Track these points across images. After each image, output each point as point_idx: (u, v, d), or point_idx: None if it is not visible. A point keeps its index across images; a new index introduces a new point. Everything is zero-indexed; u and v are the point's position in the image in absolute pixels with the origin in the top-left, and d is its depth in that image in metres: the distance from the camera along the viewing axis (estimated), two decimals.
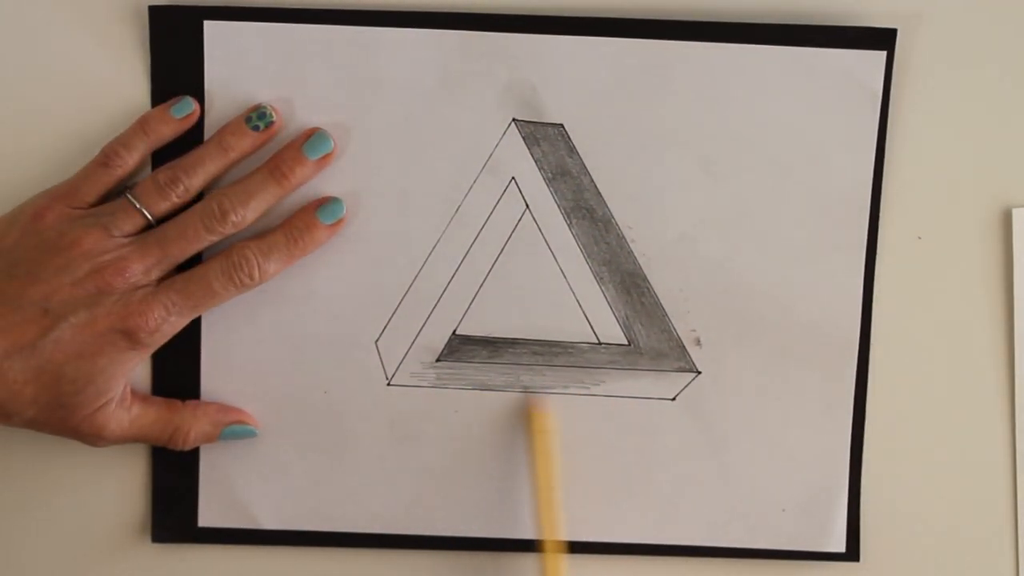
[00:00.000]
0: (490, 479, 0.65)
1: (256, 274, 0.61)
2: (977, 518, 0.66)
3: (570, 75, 0.63)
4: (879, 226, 0.64)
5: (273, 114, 0.62)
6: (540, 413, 0.64)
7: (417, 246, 0.64)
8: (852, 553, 0.66)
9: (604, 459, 0.65)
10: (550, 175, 0.64)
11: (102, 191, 0.62)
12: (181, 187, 0.61)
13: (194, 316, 0.61)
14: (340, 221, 0.63)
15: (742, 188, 0.64)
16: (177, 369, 0.64)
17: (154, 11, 0.63)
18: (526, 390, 0.64)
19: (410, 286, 0.64)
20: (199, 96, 0.63)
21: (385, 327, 0.64)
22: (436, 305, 0.64)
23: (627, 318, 0.64)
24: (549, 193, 0.64)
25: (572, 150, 0.63)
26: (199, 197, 0.62)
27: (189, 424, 0.63)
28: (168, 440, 0.63)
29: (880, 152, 0.64)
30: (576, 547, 0.65)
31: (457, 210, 0.64)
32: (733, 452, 0.65)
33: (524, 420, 0.64)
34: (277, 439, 0.65)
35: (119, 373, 0.60)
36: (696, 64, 0.63)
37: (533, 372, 0.64)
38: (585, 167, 0.63)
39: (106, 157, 0.62)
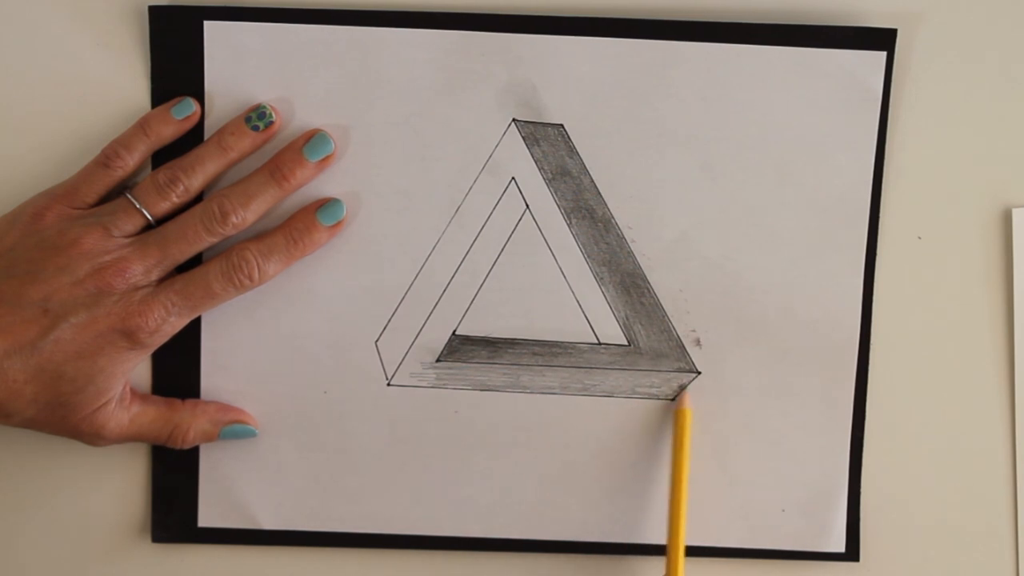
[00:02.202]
0: (489, 479, 0.65)
1: (256, 275, 0.61)
2: (977, 518, 0.66)
3: (570, 75, 0.63)
4: (879, 226, 0.64)
5: (273, 114, 0.62)
6: (685, 406, 0.64)
7: (417, 246, 0.64)
8: (852, 553, 0.66)
9: (604, 459, 0.65)
10: (550, 175, 0.64)
11: (102, 191, 0.62)
12: (181, 187, 0.61)
13: (194, 316, 0.61)
14: (340, 223, 0.63)
15: (742, 188, 0.64)
16: (177, 369, 0.64)
17: (154, 11, 0.63)
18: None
19: (410, 286, 0.64)
20: (199, 96, 0.63)
21: (385, 327, 0.64)
22: (436, 305, 0.64)
23: (627, 318, 0.64)
24: (549, 193, 0.64)
25: (572, 150, 0.63)
26: (199, 197, 0.62)
27: (188, 423, 0.63)
28: (167, 439, 0.63)
29: (880, 152, 0.64)
30: (577, 547, 0.65)
31: (457, 210, 0.64)
32: (733, 452, 0.65)
33: (672, 416, 0.65)
34: (277, 439, 0.65)
35: (119, 372, 0.60)
36: (696, 64, 0.63)
37: (533, 372, 0.64)
38: (585, 167, 0.63)
39: (106, 158, 0.62)
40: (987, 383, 0.66)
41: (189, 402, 0.64)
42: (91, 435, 0.61)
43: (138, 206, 0.61)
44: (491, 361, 0.64)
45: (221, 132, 0.62)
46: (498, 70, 0.63)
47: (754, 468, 0.65)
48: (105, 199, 0.62)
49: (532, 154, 0.63)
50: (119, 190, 0.62)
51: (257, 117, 0.62)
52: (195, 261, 0.62)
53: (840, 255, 0.64)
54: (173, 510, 0.65)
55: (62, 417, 0.60)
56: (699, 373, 0.65)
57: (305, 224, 0.62)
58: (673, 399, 0.65)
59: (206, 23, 0.62)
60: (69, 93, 0.63)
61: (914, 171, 0.64)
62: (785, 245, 0.64)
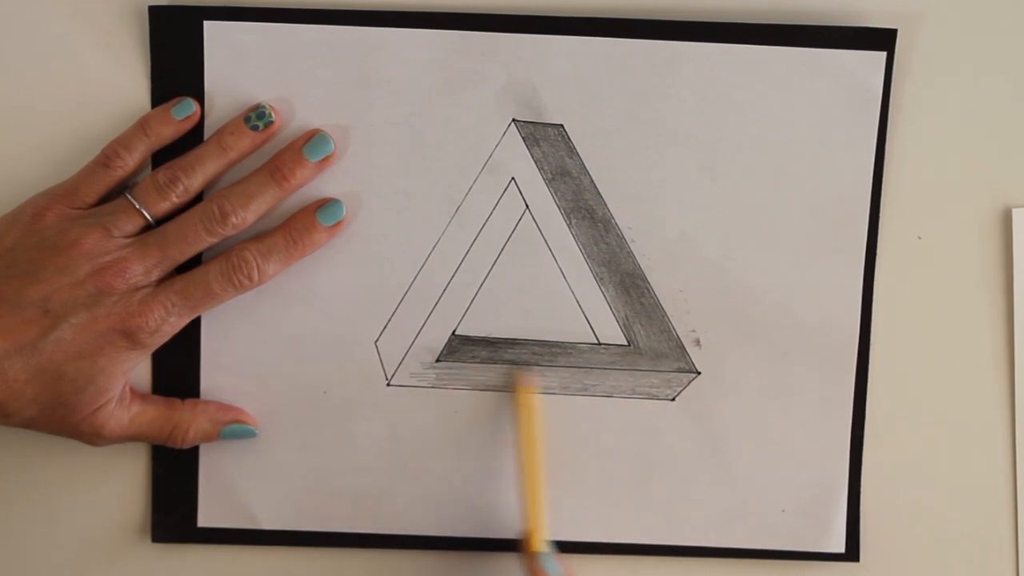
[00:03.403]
0: (490, 479, 0.65)
1: (255, 275, 0.61)
2: (977, 518, 0.66)
3: (570, 75, 0.63)
4: (879, 226, 0.64)
5: (272, 114, 0.62)
6: (525, 388, 0.64)
7: (417, 246, 0.64)
8: (852, 553, 0.66)
9: (604, 460, 0.65)
10: (550, 175, 0.64)
11: (102, 191, 0.62)
12: (180, 187, 0.61)
13: (194, 316, 0.61)
14: (340, 223, 0.63)
15: (742, 188, 0.64)
16: (177, 369, 0.64)
17: (154, 11, 0.63)
18: (514, 364, 0.64)
19: (410, 286, 0.64)
20: (199, 96, 0.63)
21: (385, 327, 0.64)
22: (436, 305, 0.64)
23: (627, 318, 0.64)
24: (549, 193, 0.64)
25: (572, 150, 0.63)
26: (199, 197, 0.62)
27: (188, 422, 0.63)
28: (167, 438, 0.63)
29: (880, 152, 0.64)
30: (576, 547, 0.65)
31: (457, 210, 0.64)
32: (733, 452, 0.65)
33: (511, 393, 0.64)
34: (277, 439, 0.65)
35: (119, 372, 0.60)
36: (696, 64, 0.63)
37: (533, 372, 0.64)
38: (585, 167, 0.63)
39: (106, 158, 0.62)
40: (987, 383, 0.66)
41: (189, 402, 0.64)
42: (91, 435, 0.61)
43: (138, 206, 0.61)
44: (491, 361, 0.64)
45: (221, 132, 0.62)
46: (498, 70, 0.63)
47: (754, 468, 0.65)
48: (105, 199, 0.62)
49: (532, 154, 0.63)
50: (119, 190, 0.62)
51: (257, 117, 0.62)
52: (195, 261, 0.62)
53: (840, 255, 0.64)
54: (173, 510, 0.65)
55: (62, 417, 0.60)
56: (699, 373, 0.65)
57: (305, 224, 0.62)
58: (674, 399, 0.65)
59: (206, 23, 0.62)
60: (69, 93, 0.63)
61: (914, 171, 0.64)
62: (785, 245, 0.64)
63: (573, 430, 0.65)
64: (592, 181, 0.64)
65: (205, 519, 0.65)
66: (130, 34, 0.63)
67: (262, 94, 0.63)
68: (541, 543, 0.61)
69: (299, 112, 0.63)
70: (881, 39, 0.63)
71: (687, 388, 0.65)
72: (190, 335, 0.63)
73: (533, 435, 0.63)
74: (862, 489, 0.65)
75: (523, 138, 0.63)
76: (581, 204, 0.64)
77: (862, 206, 0.64)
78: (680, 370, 0.65)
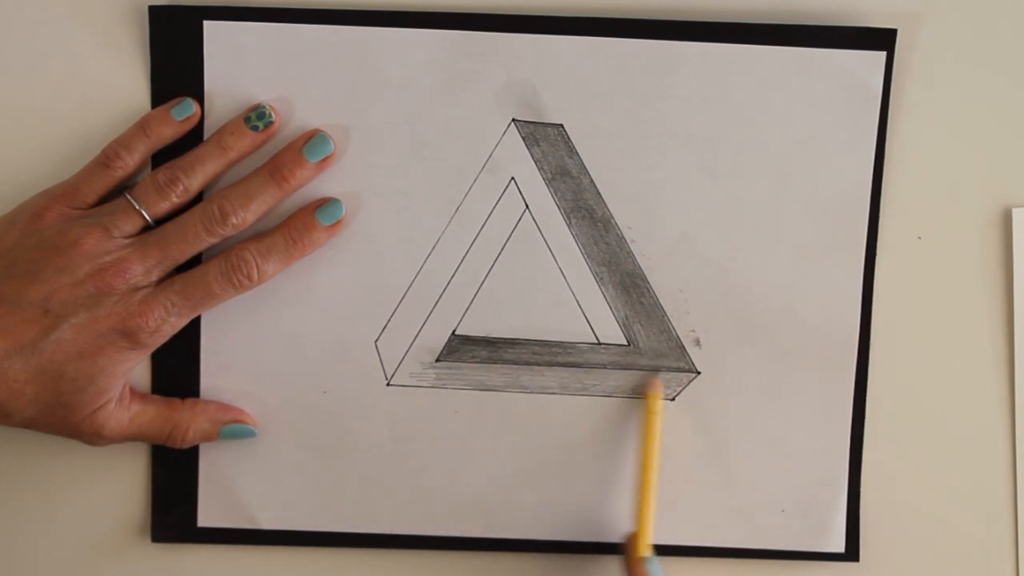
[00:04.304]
0: (489, 479, 0.65)
1: (255, 275, 0.61)
2: (977, 518, 0.66)
3: (570, 75, 0.63)
4: (879, 226, 0.64)
5: (272, 114, 0.62)
6: (655, 393, 0.64)
7: (417, 246, 0.64)
8: (852, 553, 0.66)
9: (604, 459, 0.65)
10: (550, 175, 0.64)
11: (102, 192, 0.62)
12: (180, 187, 0.61)
13: (193, 316, 0.61)
14: (339, 222, 0.63)
15: (742, 188, 0.64)
16: (177, 368, 0.64)
17: (154, 11, 0.63)
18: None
19: (410, 286, 0.64)
20: (199, 96, 0.63)
21: (385, 327, 0.64)
22: (436, 305, 0.64)
23: (627, 318, 0.64)
24: (549, 193, 0.64)
25: (572, 150, 0.63)
26: (199, 197, 0.62)
27: (188, 422, 0.63)
28: (167, 438, 0.63)
29: (880, 152, 0.64)
30: (576, 547, 0.65)
31: (457, 210, 0.64)
32: (733, 452, 0.65)
33: (642, 399, 0.65)
34: (277, 439, 0.65)
35: (119, 372, 0.60)
36: (696, 64, 0.63)
37: (533, 372, 0.64)
38: (585, 167, 0.63)
39: (106, 158, 0.62)
40: (987, 383, 0.66)
41: (189, 401, 0.64)
42: (91, 435, 0.61)
43: (137, 207, 0.61)
44: (491, 361, 0.64)
45: (221, 132, 0.62)
46: (498, 70, 0.63)
47: (754, 468, 0.65)
48: (105, 199, 0.62)
49: (532, 154, 0.63)
50: (119, 190, 0.62)
51: (256, 117, 0.62)
52: (195, 260, 0.62)
53: (840, 255, 0.64)
54: (173, 510, 0.65)
55: (62, 417, 0.60)
56: (699, 373, 0.65)
57: (304, 224, 0.62)
58: (673, 399, 0.65)
59: (206, 23, 0.62)
60: (69, 93, 0.63)
61: (914, 171, 0.64)
62: (785, 245, 0.64)
63: (573, 430, 0.65)
64: (592, 181, 0.64)
65: (205, 519, 0.65)
66: (130, 34, 0.63)
67: (262, 94, 0.63)
68: (647, 547, 0.61)
69: (299, 112, 0.63)
70: (881, 39, 0.63)
71: (687, 388, 0.65)
72: (190, 335, 0.63)
73: (656, 440, 0.63)
74: (862, 489, 0.65)
75: (523, 138, 0.63)
76: (581, 204, 0.64)
77: (862, 206, 0.64)
78: (680, 370, 0.65)
